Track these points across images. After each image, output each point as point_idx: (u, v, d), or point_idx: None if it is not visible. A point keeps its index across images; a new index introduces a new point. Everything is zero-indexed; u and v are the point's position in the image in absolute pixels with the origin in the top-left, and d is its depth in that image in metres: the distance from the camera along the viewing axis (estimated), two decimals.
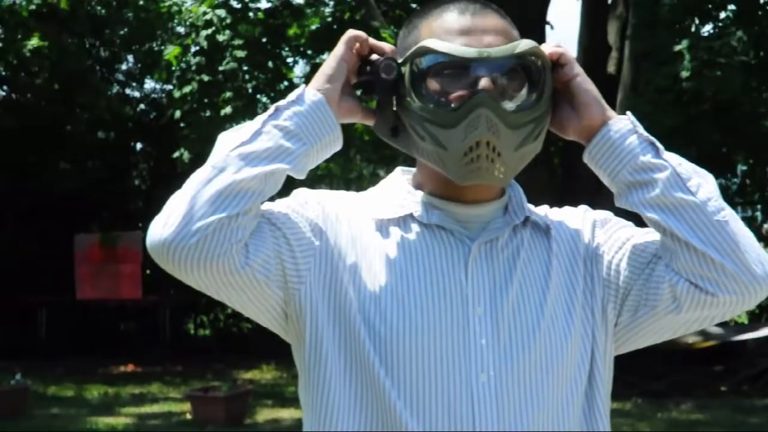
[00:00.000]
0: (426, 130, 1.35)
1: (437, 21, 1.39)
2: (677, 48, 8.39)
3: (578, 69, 1.40)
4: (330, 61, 1.40)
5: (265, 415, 8.59)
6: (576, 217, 1.50)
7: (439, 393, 1.34)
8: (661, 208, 1.35)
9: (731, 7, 8.84)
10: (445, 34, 1.36)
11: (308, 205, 1.41)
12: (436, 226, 1.41)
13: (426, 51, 1.34)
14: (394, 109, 1.41)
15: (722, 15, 8.98)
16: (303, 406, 1.46)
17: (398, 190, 1.47)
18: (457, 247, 1.40)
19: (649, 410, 8.56)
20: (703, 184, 1.36)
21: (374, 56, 1.41)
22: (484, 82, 1.31)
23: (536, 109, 1.36)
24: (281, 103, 1.35)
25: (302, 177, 1.37)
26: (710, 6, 8.99)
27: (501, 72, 1.33)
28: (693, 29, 9.00)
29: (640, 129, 1.39)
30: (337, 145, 1.42)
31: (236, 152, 1.30)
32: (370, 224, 1.42)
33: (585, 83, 1.40)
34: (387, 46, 1.43)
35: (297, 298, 1.37)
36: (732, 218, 1.35)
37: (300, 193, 1.46)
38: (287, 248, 1.35)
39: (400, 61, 1.39)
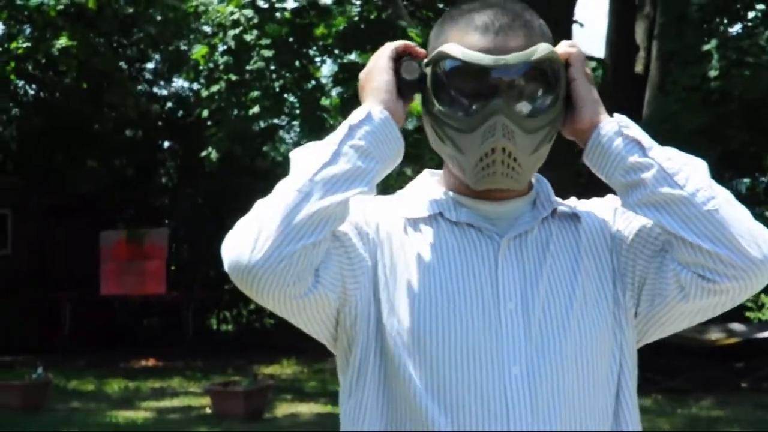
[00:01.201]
0: (445, 133, 1.39)
1: (462, 30, 1.40)
2: (705, 47, 8.32)
3: (581, 71, 1.42)
4: (379, 74, 1.42)
5: (284, 409, 8.59)
6: (603, 207, 1.51)
7: (472, 389, 1.36)
8: (653, 206, 1.37)
9: (760, 6, 8.75)
10: (467, 40, 1.38)
11: (353, 211, 1.41)
12: (466, 224, 1.44)
13: (446, 56, 1.37)
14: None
15: (750, 15, 8.88)
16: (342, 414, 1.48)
17: (426, 190, 1.49)
18: (487, 243, 1.42)
19: (669, 406, 8.47)
20: (692, 175, 1.36)
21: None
22: (500, 88, 1.35)
23: (551, 112, 1.39)
24: (352, 121, 1.36)
25: (373, 195, 1.39)
26: (738, 6, 8.90)
27: (517, 76, 1.36)
28: (721, 29, 8.91)
29: (628, 129, 1.40)
30: (400, 158, 1.43)
31: (320, 176, 1.30)
32: (401, 223, 1.45)
33: (582, 86, 1.42)
34: (422, 52, 1.45)
35: (352, 306, 1.39)
36: (725, 204, 1.35)
37: None
38: (347, 261, 1.37)
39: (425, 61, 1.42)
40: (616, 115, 1.44)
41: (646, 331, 1.47)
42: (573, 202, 1.53)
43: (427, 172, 1.56)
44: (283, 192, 1.31)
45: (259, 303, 1.35)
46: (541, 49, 1.36)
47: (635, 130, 1.41)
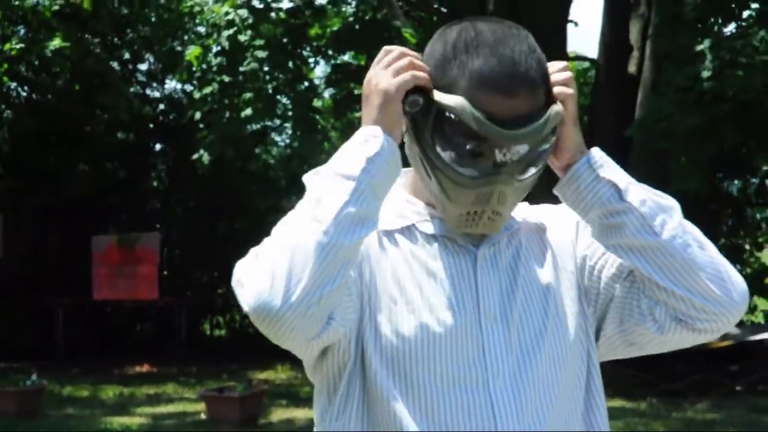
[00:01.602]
0: (436, 176, 1.37)
1: (473, 83, 1.33)
2: (699, 48, 8.32)
3: (572, 115, 1.40)
4: (387, 106, 1.36)
5: (279, 415, 8.59)
6: (565, 218, 1.51)
7: (459, 406, 1.35)
8: (629, 251, 1.38)
9: (754, 5, 8.76)
10: (478, 97, 1.32)
11: None
12: (441, 236, 1.43)
13: (457, 114, 1.32)
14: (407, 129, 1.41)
15: (745, 14, 8.89)
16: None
17: (395, 198, 1.46)
18: (463, 255, 1.42)
19: (664, 410, 8.48)
20: (668, 220, 1.37)
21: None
22: (505, 162, 1.33)
23: (544, 160, 1.39)
24: (368, 153, 1.32)
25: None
26: (733, 5, 8.91)
27: (525, 152, 1.34)
28: (715, 29, 8.92)
29: (604, 170, 1.40)
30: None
31: (344, 217, 1.27)
32: (375, 236, 1.42)
33: (569, 131, 1.40)
34: (427, 80, 1.37)
35: (347, 331, 1.37)
36: (697, 250, 1.37)
37: None
38: (347, 291, 1.34)
39: (432, 76, 1.37)
40: (593, 150, 1.42)
41: (614, 348, 1.48)
42: (537, 209, 1.53)
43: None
44: (309, 232, 1.26)
45: (275, 342, 1.33)
46: (552, 118, 1.34)
47: (611, 171, 1.40)
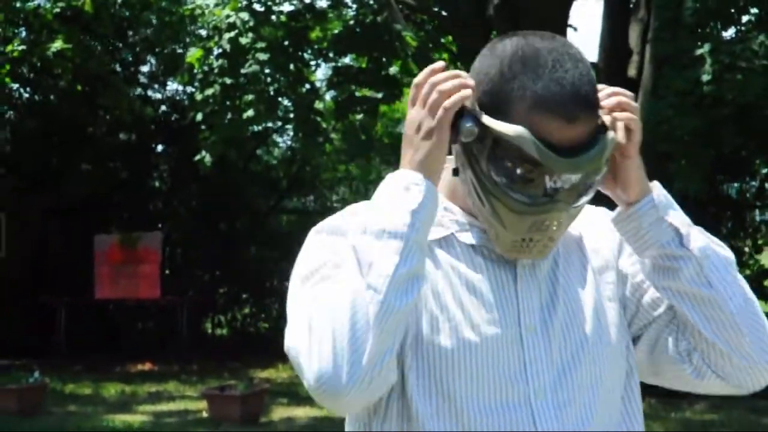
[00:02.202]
0: (491, 202, 1.32)
1: (533, 109, 1.27)
2: (699, 52, 8.34)
3: (636, 147, 1.35)
4: (439, 138, 1.30)
5: (280, 413, 8.60)
6: (605, 227, 1.46)
7: (500, 418, 1.32)
8: (679, 295, 1.37)
9: (754, 10, 8.79)
10: (537, 124, 1.27)
11: None
12: (479, 246, 1.39)
13: (520, 142, 1.26)
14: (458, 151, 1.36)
15: (744, 19, 8.92)
16: None
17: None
18: (503, 266, 1.38)
19: (663, 410, 8.49)
20: (724, 275, 1.36)
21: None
22: (557, 189, 1.29)
23: (595, 188, 1.35)
24: (413, 206, 1.27)
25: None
26: (732, 10, 8.93)
27: (582, 180, 1.30)
28: (714, 33, 8.94)
29: (667, 213, 1.37)
30: None
31: (396, 278, 1.23)
32: None
33: (634, 167, 1.36)
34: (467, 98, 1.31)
35: None
36: (747, 309, 1.36)
37: None
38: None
39: (480, 93, 1.32)
40: (656, 188, 1.39)
41: (649, 375, 1.47)
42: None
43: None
44: (365, 302, 1.22)
45: (340, 413, 1.32)
46: (608, 145, 1.29)
47: (674, 213, 1.37)
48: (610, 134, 1.30)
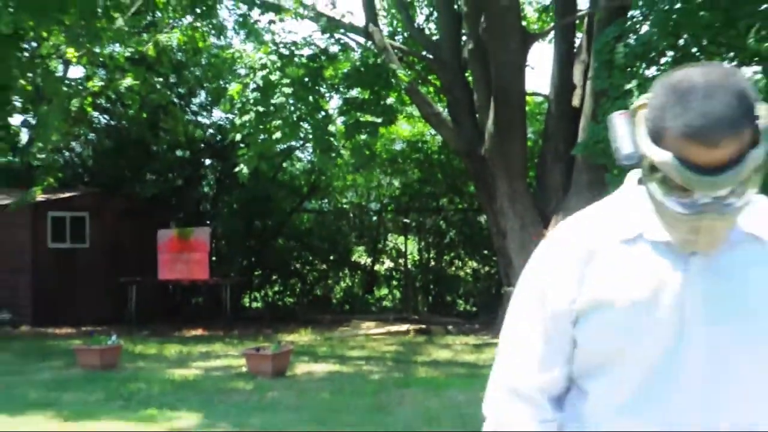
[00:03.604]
0: (655, 207, 1.22)
1: (681, 137, 1.15)
2: (627, 86, 8.35)
3: None
4: None
5: (302, 368, 8.58)
6: None
7: (654, 402, 1.21)
8: None
9: (670, 53, 8.79)
10: (683, 149, 1.15)
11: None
12: (662, 242, 1.25)
13: (665, 168, 1.16)
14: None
15: (662, 60, 8.92)
16: None
17: (633, 206, 1.30)
18: (680, 261, 1.23)
19: None
20: None
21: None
22: (711, 203, 1.15)
23: (748, 192, 1.17)
24: None
25: None
26: (653, 55, 8.93)
27: (725, 192, 1.15)
28: (640, 72, 8.95)
29: None
30: None
31: None
32: (608, 244, 1.28)
33: None
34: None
35: None
36: None
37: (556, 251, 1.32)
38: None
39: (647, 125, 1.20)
40: None
41: None
42: (761, 210, 1.28)
43: (632, 178, 1.34)
44: None
45: None
46: (750, 161, 1.13)
47: None
48: (756, 152, 1.14)
